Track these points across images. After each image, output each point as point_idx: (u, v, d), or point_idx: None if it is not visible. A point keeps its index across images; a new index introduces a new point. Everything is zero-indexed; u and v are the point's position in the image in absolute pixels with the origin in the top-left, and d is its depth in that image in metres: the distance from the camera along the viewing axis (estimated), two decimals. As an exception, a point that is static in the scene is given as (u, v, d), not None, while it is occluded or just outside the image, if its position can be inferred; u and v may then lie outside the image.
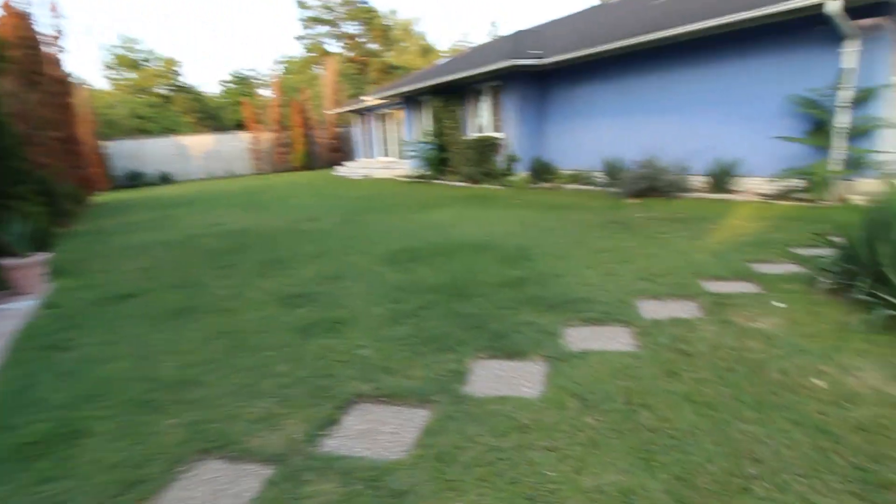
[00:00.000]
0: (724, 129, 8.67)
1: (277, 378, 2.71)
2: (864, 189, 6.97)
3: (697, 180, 8.93)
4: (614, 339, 3.00)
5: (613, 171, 10.07)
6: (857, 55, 6.88)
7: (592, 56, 10.33)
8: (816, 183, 6.99)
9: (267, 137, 26.34)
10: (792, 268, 4.23)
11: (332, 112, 25.99)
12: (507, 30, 35.05)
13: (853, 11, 6.64)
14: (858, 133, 7.00)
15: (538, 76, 12.13)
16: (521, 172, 12.31)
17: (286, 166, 26.38)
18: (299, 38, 45.83)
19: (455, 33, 65.43)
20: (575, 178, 11.42)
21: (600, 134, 11.06)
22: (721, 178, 8.53)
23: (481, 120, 13.70)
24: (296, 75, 39.07)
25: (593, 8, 17.23)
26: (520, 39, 14.10)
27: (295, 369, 2.80)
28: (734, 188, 8.48)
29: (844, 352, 2.64)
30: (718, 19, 7.79)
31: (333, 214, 8.98)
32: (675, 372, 2.53)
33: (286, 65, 42.97)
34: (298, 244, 6.37)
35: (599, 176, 10.68)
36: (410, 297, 3.92)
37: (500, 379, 2.60)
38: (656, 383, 2.43)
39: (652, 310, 3.42)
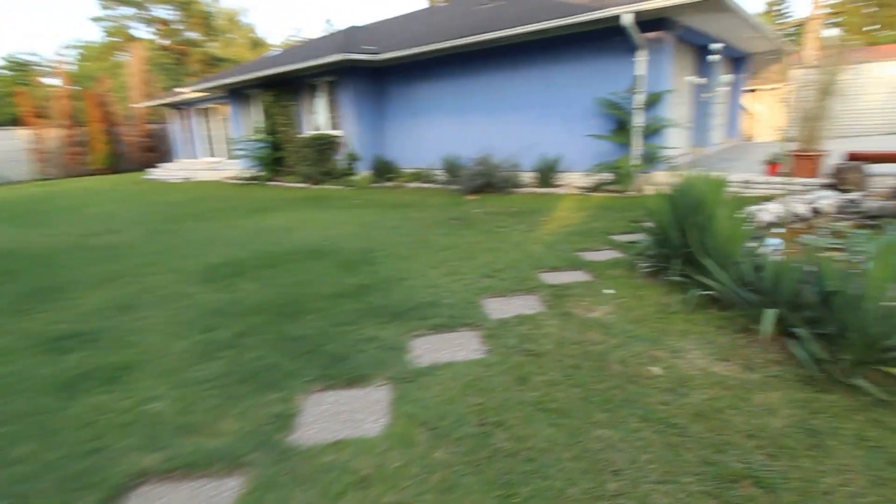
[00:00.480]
0: (546, 128, 9.34)
1: (12, 468, 1.90)
2: (657, 180, 8.06)
3: (527, 176, 9.50)
4: (463, 347, 2.78)
5: (452, 168, 10.22)
6: (646, 63, 7.89)
7: (425, 54, 10.35)
8: (622, 176, 7.87)
9: (55, 135, 21.64)
10: (614, 254, 4.55)
11: (141, 106, 22.39)
12: (341, 27, 34.18)
13: (643, 25, 7.59)
14: (650, 132, 8.06)
15: (375, 73, 11.81)
16: (363, 172, 11.88)
17: (83, 170, 21.97)
18: (97, 19, 38.91)
19: (288, 28, 61.99)
20: (417, 177, 11.38)
21: (439, 132, 11.17)
22: (546, 174, 9.17)
23: (318, 117, 12.89)
24: (94, 63, 33.00)
25: (425, 9, 17.51)
26: (353, 35, 13.61)
27: (44, 449, 2.00)
28: (558, 182, 9.20)
29: (670, 334, 2.78)
30: (531, 26, 8.31)
31: (140, 225, 7.50)
32: (525, 378, 2.38)
33: (81, 50, 36.12)
34: (84, 265, 5.07)
35: (440, 174, 10.78)
36: (228, 322, 3.24)
37: (338, 417, 2.16)
38: (509, 394, 2.24)
39: (498, 308, 3.31)
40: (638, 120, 8.06)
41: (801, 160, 6.66)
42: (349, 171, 11.95)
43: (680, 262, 3.48)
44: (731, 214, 3.38)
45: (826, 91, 6.36)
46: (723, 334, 2.74)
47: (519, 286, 3.71)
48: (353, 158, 11.96)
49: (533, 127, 9.54)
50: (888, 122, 14.22)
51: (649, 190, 7.86)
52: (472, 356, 2.64)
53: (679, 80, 9.47)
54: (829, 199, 5.37)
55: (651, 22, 7.66)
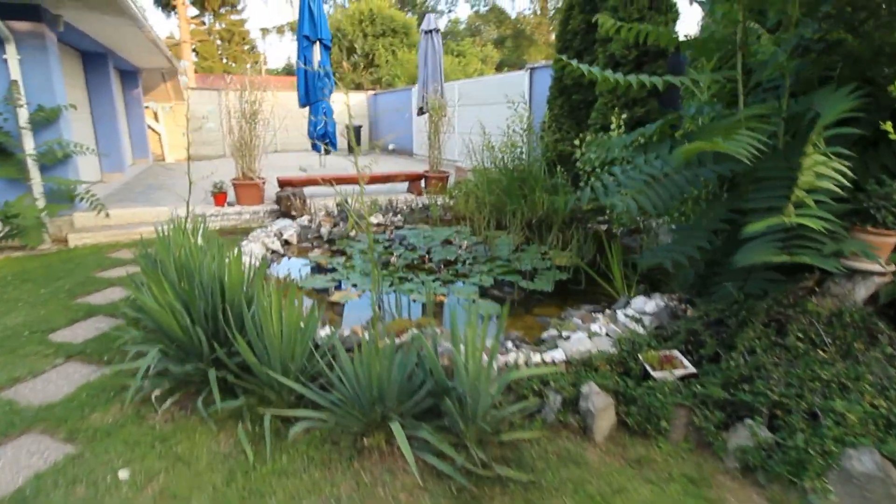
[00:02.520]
0: None
1: None
2: (83, 224, 6.08)
3: None
4: None
5: None
6: (20, 65, 5.56)
7: None
8: (27, 227, 5.38)
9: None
10: (84, 374, 2.84)
11: None
12: None
13: (6, 9, 5.19)
14: (53, 160, 5.88)
15: None
16: None
17: None
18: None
19: None
20: None
21: None
22: None
23: None
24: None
25: None
26: None
27: None
28: None
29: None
30: None
31: None
32: None
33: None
34: None
35: None
36: None
37: None
38: None
39: None
40: (30, 145, 5.67)
41: (244, 188, 6.61)
42: None
43: (223, 374, 2.42)
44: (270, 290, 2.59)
45: (252, 117, 6.46)
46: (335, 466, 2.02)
47: None
48: None
49: None
50: (287, 141, 16.96)
51: (79, 240, 5.77)
52: None
53: (73, 91, 7.42)
54: (291, 229, 5.50)
55: (19, 7, 5.38)
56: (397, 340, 2.49)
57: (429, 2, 41.19)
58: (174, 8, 23.93)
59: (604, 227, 5.77)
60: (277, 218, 6.65)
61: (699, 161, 2.88)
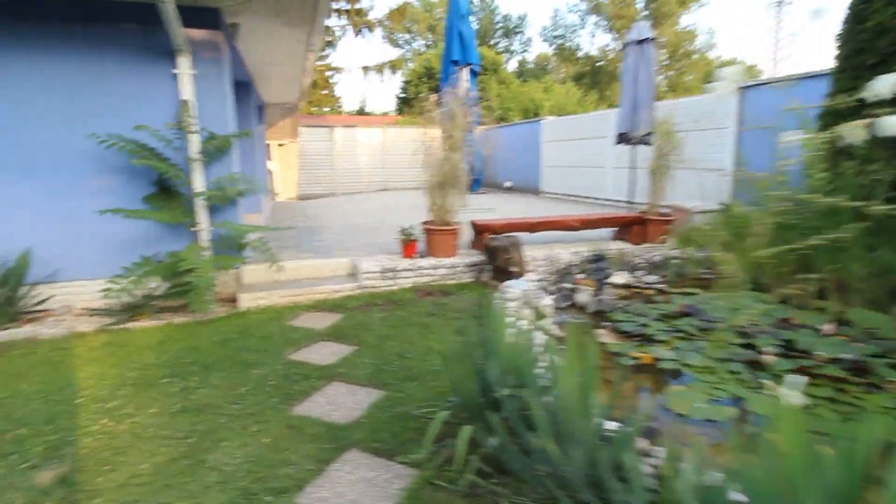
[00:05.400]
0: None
1: None
2: (253, 279, 4.80)
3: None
4: None
5: None
6: (193, 82, 4.47)
7: None
8: (199, 286, 4.08)
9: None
10: None
11: None
12: None
13: (185, 13, 4.11)
14: (223, 200, 4.68)
15: None
16: None
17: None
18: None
19: None
20: None
21: None
22: (10, 293, 4.03)
23: None
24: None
25: None
26: None
27: None
28: (36, 309, 4.24)
29: None
30: None
31: None
32: None
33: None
34: None
35: None
36: None
37: None
38: None
39: None
40: (199, 181, 4.50)
41: (440, 237, 5.15)
42: None
43: None
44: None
45: (455, 148, 5.06)
46: None
47: None
48: None
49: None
50: (373, 181, 16.06)
51: (251, 301, 4.46)
52: None
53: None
54: (543, 297, 3.88)
55: (193, 12, 4.32)
56: None
57: (502, 42, 40.86)
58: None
59: None
60: (480, 273, 5.12)
61: None
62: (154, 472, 2.19)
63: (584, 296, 3.99)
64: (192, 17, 4.28)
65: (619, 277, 4.60)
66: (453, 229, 5.16)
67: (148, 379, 3.12)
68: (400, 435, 2.43)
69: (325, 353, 3.51)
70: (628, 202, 7.75)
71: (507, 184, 15.04)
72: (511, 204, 11.05)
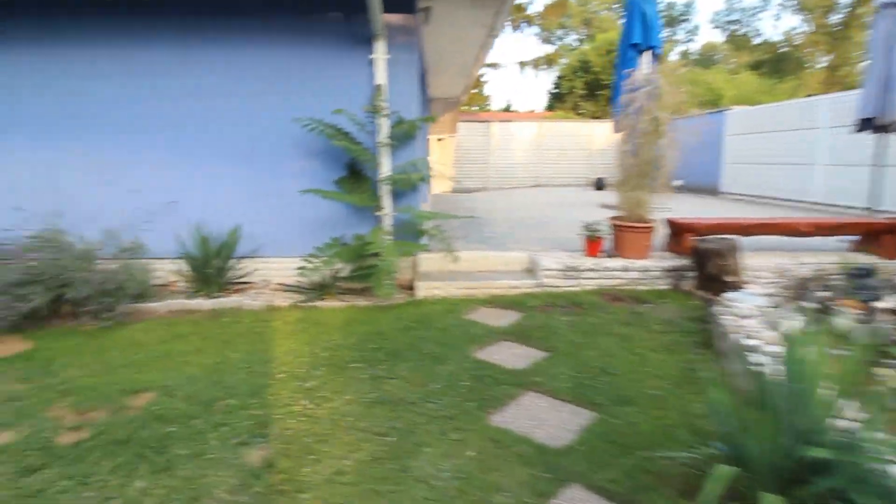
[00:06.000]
0: (202, 172, 4.63)
1: None
2: (429, 268, 4.66)
3: (166, 269, 4.51)
4: None
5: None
6: (386, 66, 4.43)
7: None
8: (383, 270, 4.01)
9: None
10: None
11: None
12: None
13: (385, -5, 4.08)
14: (407, 186, 4.60)
15: None
16: None
17: None
18: None
19: None
20: None
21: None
22: (208, 267, 4.37)
23: None
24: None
25: None
26: None
27: None
28: (240, 281, 4.59)
29: None
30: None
31: None
32: None
33: None
34: None
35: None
36: None
37: None
38: None
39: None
40: (386, 165, 4.47)
41: (632, 235, 4.48)
42: None
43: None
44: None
45: (656, 136, 4.35)
46: None
47: None
48: None
49: (174, 168, 4.63)
50: (526, 176, 15.60)
51: (427, 290, 4.31)
52: None
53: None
54: (796, 319, 3.03)
55: (397, -9, 4.27)
56: None
57: (665, 32, 37.03)
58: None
59: None
60: (679, 280, 4.34)
61: None
62: (358, 470, 2.00)
63: (845, 320, 3.04)
64: (389, 1, 4.23)
65: (883, 301, 3.48)
66: (648, 227, 4.46)
67: (338, 361, 3.06)
68: (635, 478, 1.92)
69: (511, 356, 3.14)
70: (867, 209, 6.15)
71: (678, 182, 13.42)
72: (685, 204, 9.72)
